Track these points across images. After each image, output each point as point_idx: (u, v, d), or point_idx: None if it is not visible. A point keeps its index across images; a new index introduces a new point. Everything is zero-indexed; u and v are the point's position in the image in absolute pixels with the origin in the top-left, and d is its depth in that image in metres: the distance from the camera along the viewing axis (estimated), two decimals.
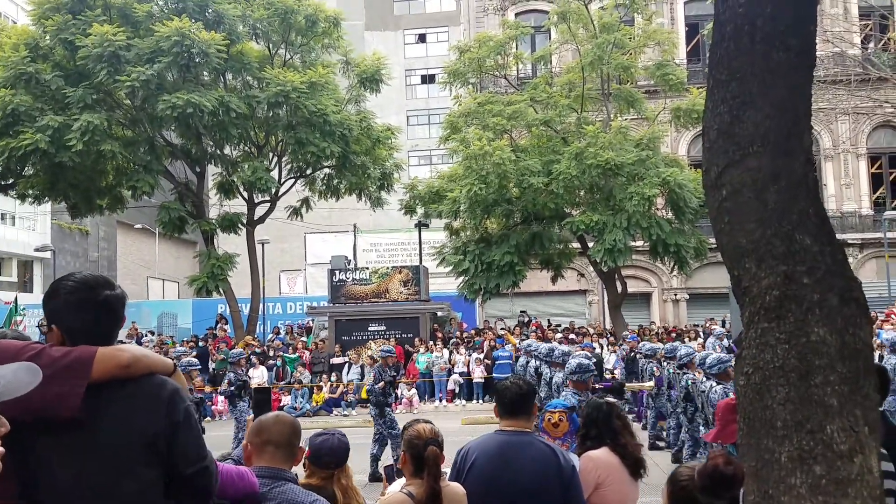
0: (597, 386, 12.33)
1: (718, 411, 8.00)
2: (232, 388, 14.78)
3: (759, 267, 2.80)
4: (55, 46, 24.65)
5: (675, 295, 35.35)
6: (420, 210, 28.19)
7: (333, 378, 23.90)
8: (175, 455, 2.70)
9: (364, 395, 23.85)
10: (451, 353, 24.75)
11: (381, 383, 13.84)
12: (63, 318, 2.76)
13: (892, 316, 23.62)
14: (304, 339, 27.93)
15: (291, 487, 3.31)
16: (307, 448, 4.22)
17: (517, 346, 24.40)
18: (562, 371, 11.29)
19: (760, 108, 2.92)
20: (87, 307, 2.75)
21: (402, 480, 4.06)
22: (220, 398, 22.93)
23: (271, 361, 24.36)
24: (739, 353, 2.83)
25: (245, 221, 28.66)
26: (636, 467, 4.71)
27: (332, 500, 4.04)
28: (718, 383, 9.54)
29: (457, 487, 4.01)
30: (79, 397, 2.54)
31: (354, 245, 40.45)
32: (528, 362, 15.83)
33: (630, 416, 15.10)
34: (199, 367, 15.09)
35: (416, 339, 25.44)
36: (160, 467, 2.70)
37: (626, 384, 15.67)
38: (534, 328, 28.32)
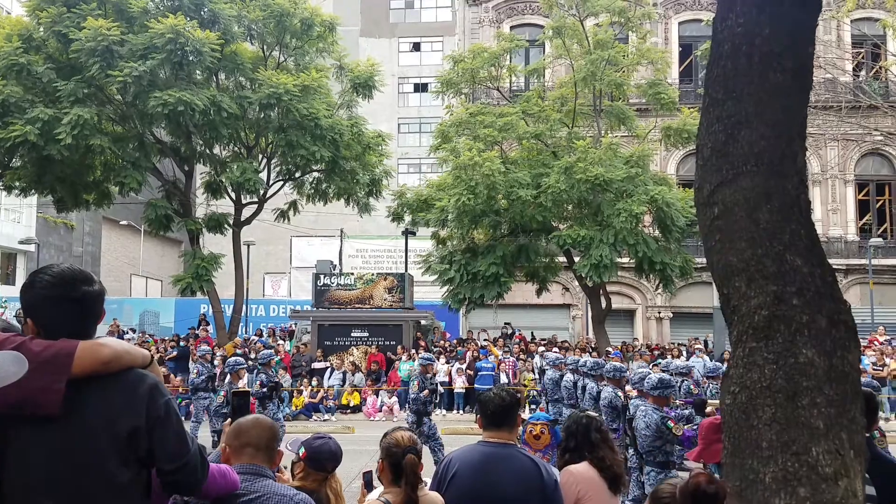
0: (678, 402, 12.18)
1: (702, 430, 7.96)
2: (264, 389, 14.53)
3: (748, 286, 2.78)
4: (48, 38, 24.49)
5: (659, 313, 35.43)
6: (407, 218, 28.16)
7: (314, 382, 23.80)
8: (156, 451, 2.68)
9: (344, 401, 23.86)
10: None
11: (426, 391, 14.05)
12: (38, 312, 2.71)
13: (875, 343, 23.74)
14: (283, 342, 27.84)
15: (273, 483, 3.31)
16: (303, 450, 4.23)
17: (499, 357, 24.43)
18: (613, 386, 11.19)
19: (755, 128, 2.91)
20: (62, 303, 2.70)
21: (381, 488, 4.04)
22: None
23: (251, 363, 24.22)
24: (726, 371, 2.81)
25: (231, 222, 28.54)
26: (615, 482, 4.70)
27: (322, 502, 4.05)
28: None
29: (435, 497, 3.99)
30: (59, 393, 2.50)
31: (340, 250, 40.37)
32: (562, 376, 14.88)
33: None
34: (246, 365, 14.90)
35: (399, 347, 25.39)
36: (137, 466, 2.66)
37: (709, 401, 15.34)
38: (517, 340, 28.32)
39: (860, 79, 34.55)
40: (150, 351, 14.82)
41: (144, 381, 2.69)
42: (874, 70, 34.97)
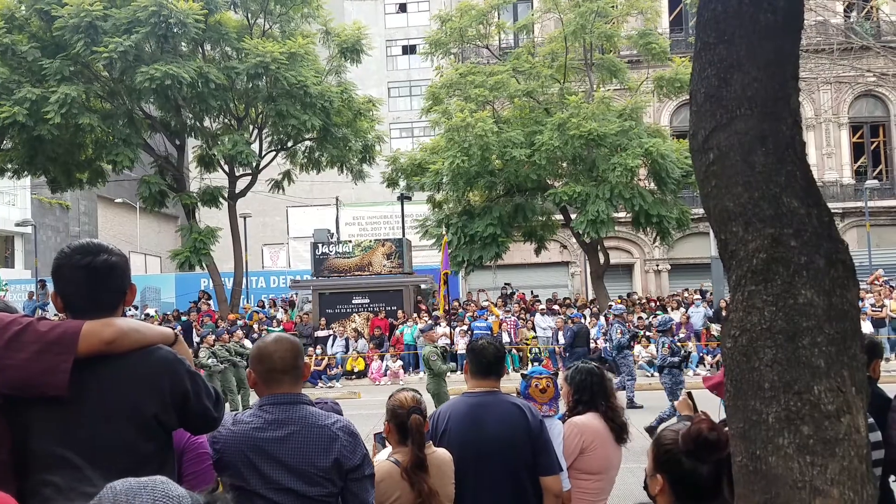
0: None
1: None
2: None
3: (746, 230, 2.78)
4: (31, 17, 24.26)
5: (658, 265, 35.51)
6: (402, 183, 28.10)
7: (318, 351, 23.93)
8: (188, 423, 2.78)
9: (348, 368, 24.00)
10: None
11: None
12: (56, 283, 2.74)
13: (877, 282, 23.84)
14: (284, 311, 27.97)
15: (311, 410, 3.25)
16: None
17: (500, 317, 24.52)
18: None
19: (748, 71, 2.88)
20: (71, 274, 2.71)
21: (389, 448, 4.09)
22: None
23: (255, 335, 24.34)
24: (726, 316, 2.83)
25: (226, 195, 28.45)
26: (621, 432, 4.75)
27: None
28: None
29: (443, 453, 4.06)
30: (65, 374, 2.47)
31: (337, 218, 40.32)
32: None
33: None
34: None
35: (400, 312, 25.47)
36: (163, 437, 2.69)
37: None
38: (518, 300, 28.41)
39: (851, 20, 34.26)
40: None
41: (159, 359, 2.67)
42: (865, 10, 34.67)
